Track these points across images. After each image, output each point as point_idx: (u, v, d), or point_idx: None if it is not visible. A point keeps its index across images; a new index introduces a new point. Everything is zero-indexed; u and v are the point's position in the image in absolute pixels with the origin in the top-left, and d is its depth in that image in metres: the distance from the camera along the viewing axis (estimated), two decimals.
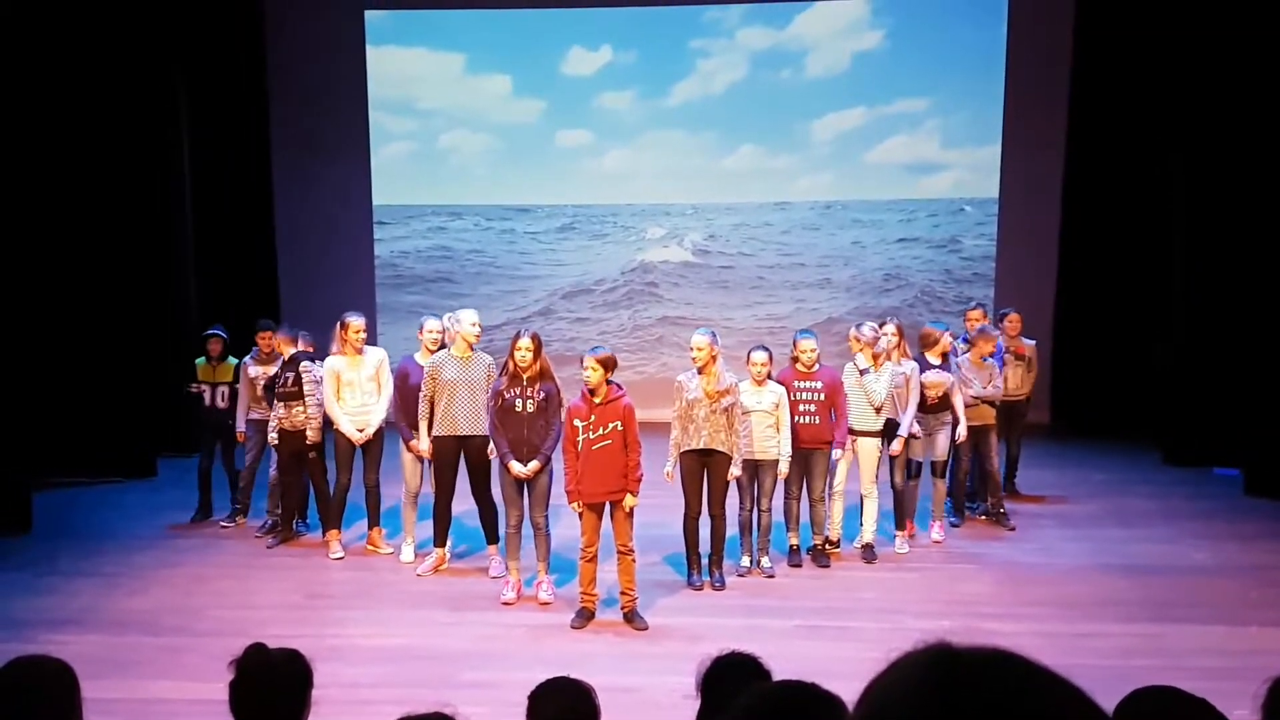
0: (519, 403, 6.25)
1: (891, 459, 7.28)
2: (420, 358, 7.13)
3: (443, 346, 7.04)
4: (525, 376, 6.23)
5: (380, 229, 12.31)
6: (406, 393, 7.05)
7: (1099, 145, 10.77)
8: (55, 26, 9.12)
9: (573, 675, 2.72)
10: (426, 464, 7.11)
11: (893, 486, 7.37)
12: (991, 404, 7.72)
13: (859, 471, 7.15)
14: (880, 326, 7.23)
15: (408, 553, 7.21)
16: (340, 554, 7.26)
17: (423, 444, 6.81)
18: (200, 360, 8.13)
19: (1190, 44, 9.43)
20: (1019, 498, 8.48)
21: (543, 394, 6.28)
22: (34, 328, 8.77)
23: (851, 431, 7.02)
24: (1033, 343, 8.51)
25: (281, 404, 7.26)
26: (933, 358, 7.43)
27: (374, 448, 7.31)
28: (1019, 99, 11.37)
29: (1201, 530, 7.78)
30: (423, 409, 6.78)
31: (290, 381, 7.23)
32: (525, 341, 6.21)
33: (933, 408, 7.38)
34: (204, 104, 10.72)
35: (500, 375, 6.40)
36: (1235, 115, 9.18)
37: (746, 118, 12.00)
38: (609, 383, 5.97)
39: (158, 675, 5.38)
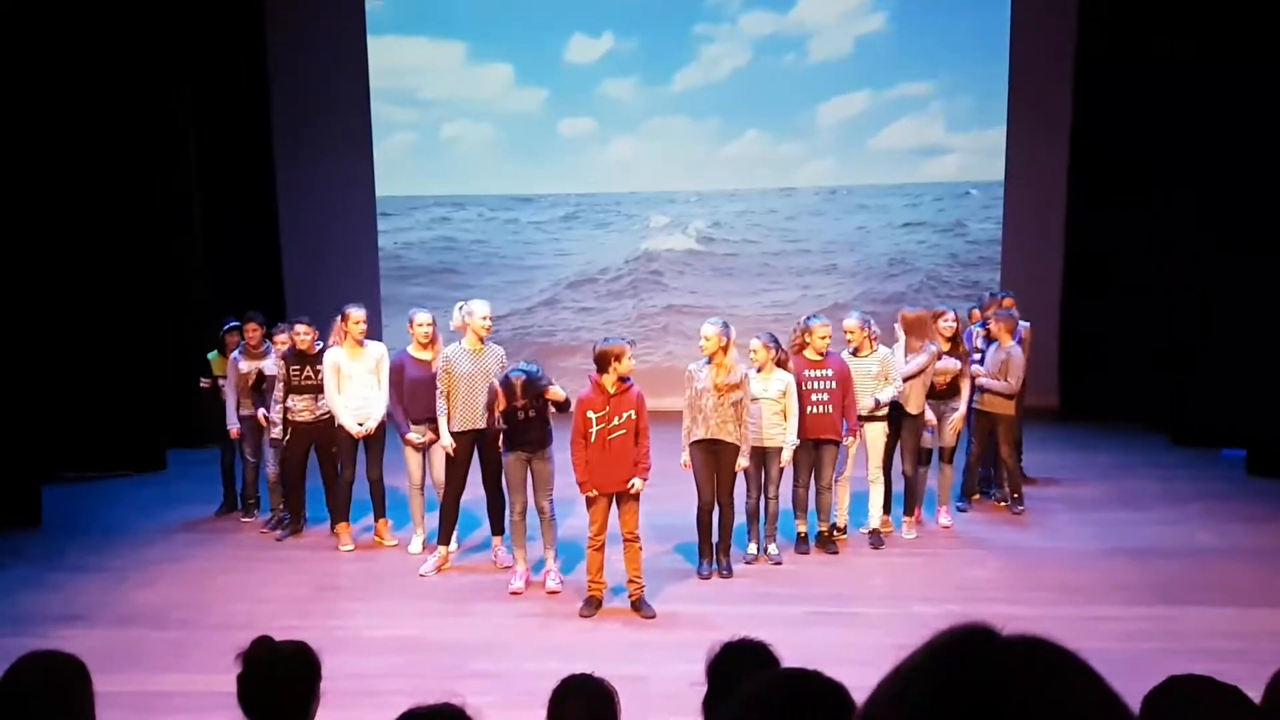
0: (518, 413, 6.28)
1: (902, 448, 7.24)
2: (413, 351, 7.09)
3: (433, 341, 7.05)
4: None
5: (383, 220, 12.29)
6: (403, 386, 7.02)
7: (1104, 127, 10.70)
8: (60, 10, 9.08)
9: (580, 664, 2.72)
10: (427, 455, 7.11)
11: (904, 474, 7.32)
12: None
13: (866, 457, 7.15)
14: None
15: (416, 544, 7.21)
16: (350, 546, 7.26)
17: (444, 439, 6.65)
18: (213, 354, 8.06)
19: (1196, 24, 9.36)
20: (1026, 481, 8.45)
21: (540, 403, 6.31)
22: (42, 322, 8.76)
23: (859, 417, 7.01)
24: (1026, 324, 8.48)
25: (300, 396, 7.23)
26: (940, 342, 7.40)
27: (376, 442, 7.27)
28: (1024, 81, 11.30)
29: (1207, 512, 7.76)
30: (440, 404, 6.64)
31: (313, 375, 7.20)
32: (522, 404, 6.19)
33: (942, 393, 7.36)
34: (205, 97, 10.70)
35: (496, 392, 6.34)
36: (1241, 95, 9.11)
37: (750, 103, 11.94)
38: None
39: (166, 668, 5.39)
